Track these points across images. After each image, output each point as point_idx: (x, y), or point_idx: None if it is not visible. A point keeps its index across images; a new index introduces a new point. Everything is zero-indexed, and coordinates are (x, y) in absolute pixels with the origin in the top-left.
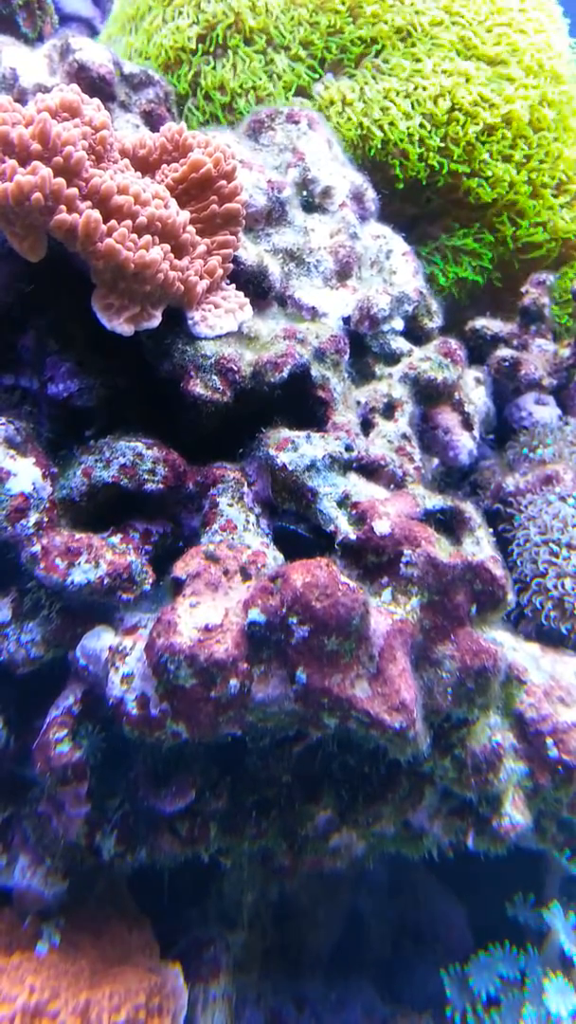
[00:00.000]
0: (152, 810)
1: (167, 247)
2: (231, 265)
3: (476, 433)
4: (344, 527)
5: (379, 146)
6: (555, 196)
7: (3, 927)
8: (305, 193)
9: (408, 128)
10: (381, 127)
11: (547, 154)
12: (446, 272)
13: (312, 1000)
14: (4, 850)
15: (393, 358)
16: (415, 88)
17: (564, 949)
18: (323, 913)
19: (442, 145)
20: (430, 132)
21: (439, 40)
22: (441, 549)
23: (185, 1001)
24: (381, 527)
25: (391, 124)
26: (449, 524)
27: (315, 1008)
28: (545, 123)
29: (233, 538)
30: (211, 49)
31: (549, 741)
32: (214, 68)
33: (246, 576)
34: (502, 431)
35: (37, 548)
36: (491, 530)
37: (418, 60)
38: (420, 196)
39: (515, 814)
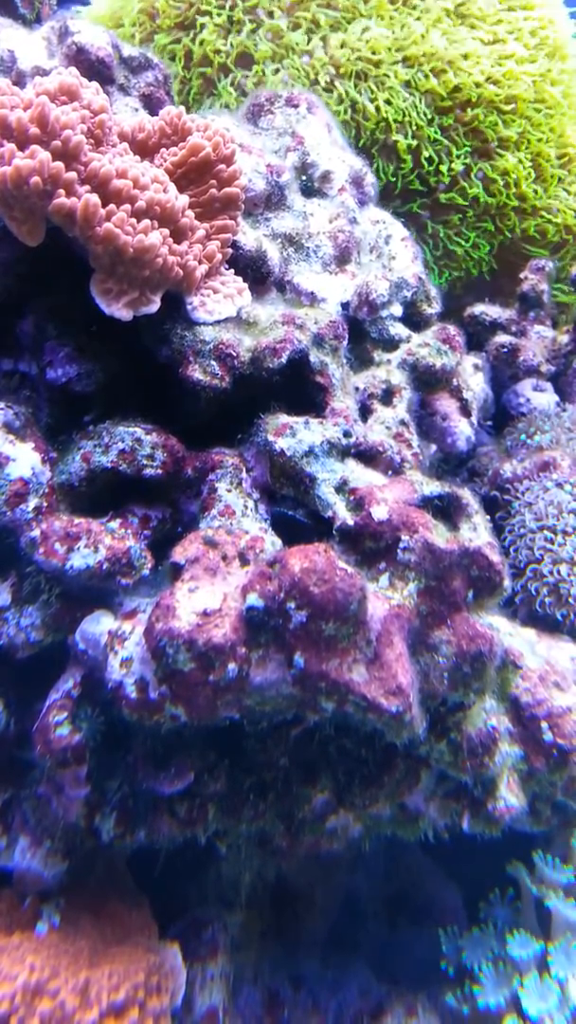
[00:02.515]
0: (151, 792)
1: (166, 231)
2: (230, 250)
3: (474, 419)
4: (342, 513)
5: (370, 134)
6: (559, 181)
7: (3, 908)
8: (304, 177)
9: (404, 112)
10: (377, 106)
11: (551, 130)
12: (447, 264)
13: (308, 979)
14: (4, 832)
15: (392, 344)
16: (412, 65)
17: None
18: (320, 894)
19: (441, 136)
20: (430, 119)
21: (431, 10)
22: (438, 535)
23: (183, 980)
24: (379, 513)
25: (387, 102)
26: (446, 510)
27: (311, 987)
28: (552, 101)
29: (232, 523)
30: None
31: (544, 725)
32: (200, 41)
33: (244, 561)
34: (500, 417)
35: (36, 533)
36: (488, 516)
37: (409, 29)
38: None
39: (510, 797)
